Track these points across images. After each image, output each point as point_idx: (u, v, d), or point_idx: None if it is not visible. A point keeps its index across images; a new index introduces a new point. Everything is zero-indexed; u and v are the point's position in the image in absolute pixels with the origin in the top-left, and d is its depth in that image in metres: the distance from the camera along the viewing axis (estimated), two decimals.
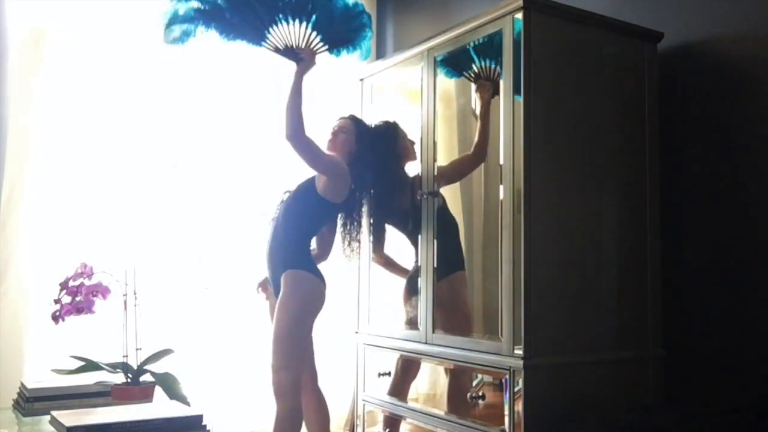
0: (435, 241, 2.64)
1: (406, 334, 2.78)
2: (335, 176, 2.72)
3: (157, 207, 3.33)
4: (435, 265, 2.64)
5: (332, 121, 2.96)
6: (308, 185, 2.79)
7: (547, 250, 2.25)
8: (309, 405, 2.84)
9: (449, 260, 2.66)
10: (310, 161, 2.67)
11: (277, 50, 2.73)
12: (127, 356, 2.35)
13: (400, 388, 2.79)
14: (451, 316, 2.63)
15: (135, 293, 2.38)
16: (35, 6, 3.03)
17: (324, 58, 2.81)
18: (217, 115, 3.48)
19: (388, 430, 2.85)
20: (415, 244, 2.80)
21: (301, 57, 2.70)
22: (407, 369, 2.76)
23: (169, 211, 3.36)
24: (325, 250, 2.97)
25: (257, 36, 2.69)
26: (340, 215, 2.87)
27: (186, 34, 2.61)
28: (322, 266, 2.83)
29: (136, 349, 2.37)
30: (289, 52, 2.73)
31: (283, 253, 2.74)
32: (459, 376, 2.52)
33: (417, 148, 2.80)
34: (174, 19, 2.61)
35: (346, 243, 2.87)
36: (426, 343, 2.65)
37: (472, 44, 2.52)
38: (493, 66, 2.44)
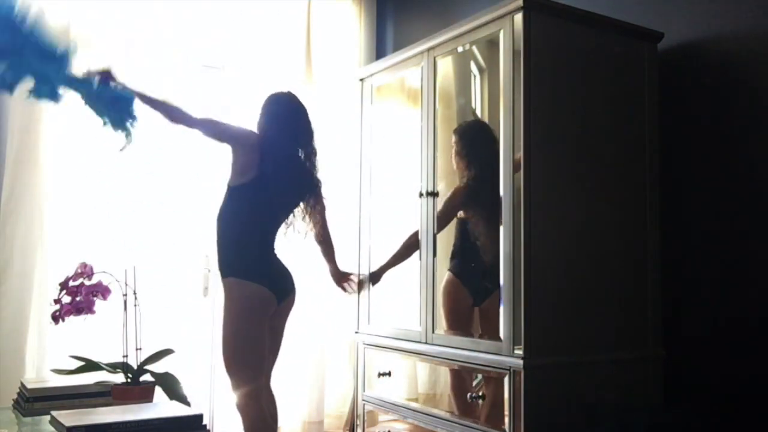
0: (435, 244, 2.65)
1: (405, 333, 2.78)
2: (242, 146, 2.68)
3: (158, 206, 3.33)
4: (434, 266, 2.65)
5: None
6: (226, 191, 2.76)
7: (547, 250, 2.25)
8: None
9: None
10: (210, 132, 2.67)
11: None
12: (127, 356, 2.35)
13: None
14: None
15: (135, 293, 2.38)
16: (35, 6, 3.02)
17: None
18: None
19: (388, 430, 2.85)
20: None
21: (100, 72, 2.53)
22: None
23: (170, 211, 3.36)
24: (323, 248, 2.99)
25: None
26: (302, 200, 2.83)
27: None
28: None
29: (136, 349, 2.36)
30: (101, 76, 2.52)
31: (220, 262, 2.73)
32: (459, 376, 2.52)
33: (417, 148, 2.80)
34: None
35: (305, 216, 2.85)
36: (426, 342, 2.65)
37: None
38: None
